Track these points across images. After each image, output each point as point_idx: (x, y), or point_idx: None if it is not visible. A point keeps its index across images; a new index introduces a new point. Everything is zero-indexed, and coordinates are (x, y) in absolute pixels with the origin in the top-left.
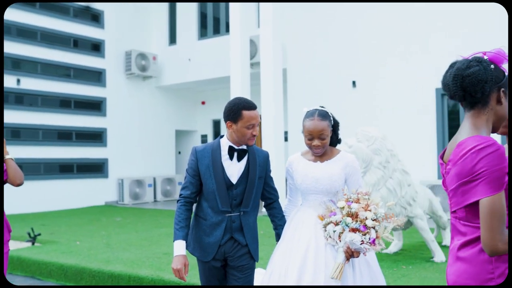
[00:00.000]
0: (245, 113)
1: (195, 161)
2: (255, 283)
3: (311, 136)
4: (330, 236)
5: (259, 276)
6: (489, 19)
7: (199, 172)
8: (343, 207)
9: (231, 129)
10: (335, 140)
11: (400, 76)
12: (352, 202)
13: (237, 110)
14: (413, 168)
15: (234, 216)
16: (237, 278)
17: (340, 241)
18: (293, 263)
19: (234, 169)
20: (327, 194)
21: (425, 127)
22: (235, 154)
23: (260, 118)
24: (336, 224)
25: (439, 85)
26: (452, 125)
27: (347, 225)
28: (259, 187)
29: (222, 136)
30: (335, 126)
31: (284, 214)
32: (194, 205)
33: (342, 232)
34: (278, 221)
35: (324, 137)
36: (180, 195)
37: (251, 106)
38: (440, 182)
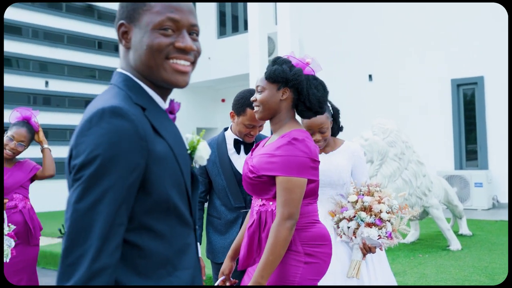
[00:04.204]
0: (249, 111)
1: None
2: None
3: (311, 130)
4: (344, 233)
5: None
6: (501, 13)
7: (206, 169)
8: (356, 201)
9: (233, 119)
10: (336, 129)
11: (416, 68)
12: (363, 195)
13: (243, 104)
14: (430, 159)
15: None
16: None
17: (355, 237)
18: None
19: (243, 163)
20: (334, 187)
21: (441, 118)
22: (242, 146)
23: None
24: (350, 219)
25: (455, 76)
26: (468, 115)
27: (362, 220)
28: None
29: (226, 129)
30: (335, 114)
31: None
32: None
33: (357, 228)
34: None
35: (324, 131)
36: None
37: None
38: (457, 172)
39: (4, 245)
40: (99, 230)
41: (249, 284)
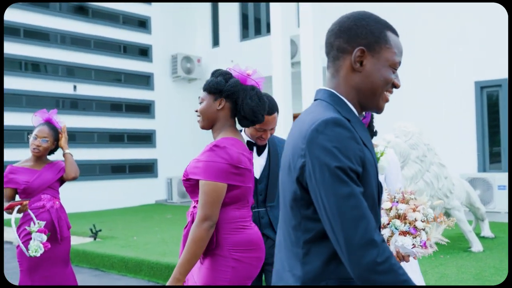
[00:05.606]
0: None
1: None
2: None
3: None
4: None
5: None
6: None
7: None
8: (390, 209)
9: None
10: (370, 134)
11: (439, 71)
12: (397, 202)
13: None
14: (453, 162)
15: (262, 212)
16: (271, 272)
17: (389, 245)
18: None
19: (256, 164)
20: None
21: (465, 120)
22: (255, 148)
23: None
24: (383, 227)
25: (478, 78)
26: (491, 118)
27: (396, 228)
28: None
29: (241, 131)
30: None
31: None
32: None
33: (390, 236)
34: None
35: None
36: None
37: (267, 111)
38: (480, 175)
39: (35, 241)
40: (364, 212)
41: (169, 279)
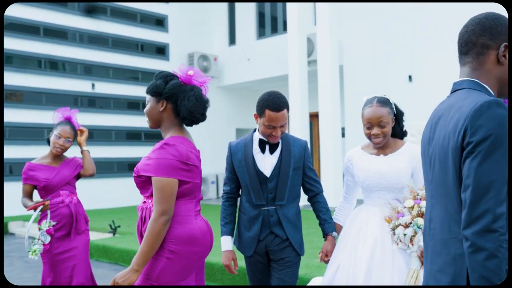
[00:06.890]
0: (268, 112)
1: (229, 157)
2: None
3: (369, 124)
4: (400, 240)
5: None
6: None
7: (233, 166)
8: (412, 207)
9: (256, 121)
10: (399, 132)
11: (456, 68)
12: (420, 199)
13: (262, 106)
14: None
15: (271, 210)
16: (277, 270)
17: (412, 245)
18: (359, 266)
19: (267, 162)
20: (392, 190)
21: None
22: (267, 146)
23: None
24: (406, 226)
25: None
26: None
27: (419, 227)
28: (294, 178)
29: (255, 130)
30: (399, 116)
31: (338, 211)
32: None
33: (414, 235)
34: (323, 215)
35: (384, 125)
36: (223, 191)
37: (275, 107)
38: None
39: (39, 241)
40: (498, 186)
41: (127, 270)
